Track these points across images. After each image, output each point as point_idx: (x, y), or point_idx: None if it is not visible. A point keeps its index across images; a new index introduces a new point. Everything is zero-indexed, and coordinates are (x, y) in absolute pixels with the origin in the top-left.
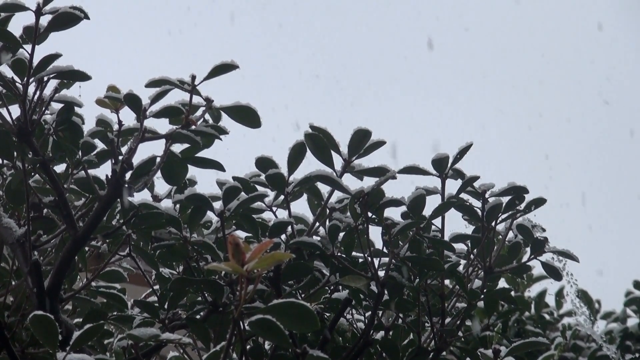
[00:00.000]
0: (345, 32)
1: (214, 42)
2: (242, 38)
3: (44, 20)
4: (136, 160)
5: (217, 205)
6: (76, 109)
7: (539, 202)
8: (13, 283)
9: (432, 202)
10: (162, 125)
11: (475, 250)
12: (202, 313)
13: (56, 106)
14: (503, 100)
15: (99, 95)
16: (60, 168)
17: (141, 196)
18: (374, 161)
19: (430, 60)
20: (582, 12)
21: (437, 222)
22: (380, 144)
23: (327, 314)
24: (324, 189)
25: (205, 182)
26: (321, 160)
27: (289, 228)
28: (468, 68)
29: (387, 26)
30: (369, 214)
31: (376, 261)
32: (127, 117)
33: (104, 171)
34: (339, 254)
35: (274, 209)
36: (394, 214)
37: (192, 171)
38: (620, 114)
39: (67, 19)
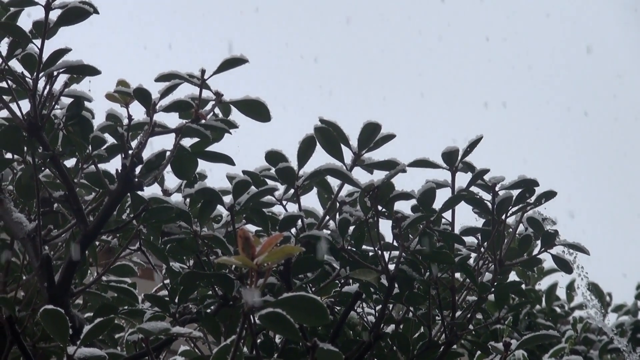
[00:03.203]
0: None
1: (227, 34)
2: (254, 34)
3: (54, 14)
4: (146, 154)
5: (227, 199)
6: (86, 103)
7: (549, 195)
8: (24, 278)
9: (442, 196)
10: (172, 120)
11: (485, 243)
12: (212, 307)
13: (66, 101)
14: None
15: (109, 90)
16: (70, 163)
17: (151, 190)
18: (384, 154)
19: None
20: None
21: (447, 215)
22: (390, 137)
23: (338, 308)
24: (334, 182)
25: (215, 176)
26: (331, 153)
27: (299, 222)
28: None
29: (383, 23)
30: (379, 208)
31: (386, 254)
32: (137, 111)
33: (114, 165)
34: (349, 247)
35: (284, 202)
36: (404, 207)
37: (202, 165)
38: None
39: (76, 14)
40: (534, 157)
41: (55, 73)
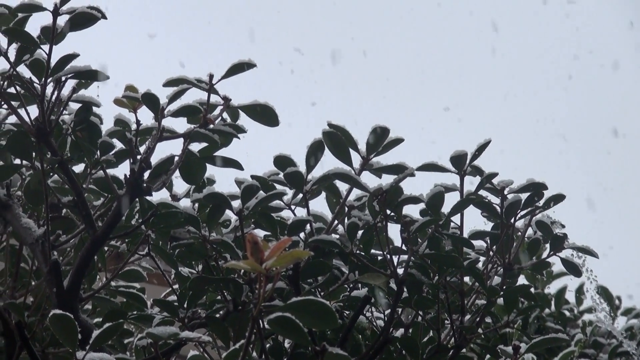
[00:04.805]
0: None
1: (234, 39)
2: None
3: (62, 20)
4: (154, 159)
5: (236, 204)
6: (94, 108)
7: (558, 198)
8: (33, 283)
9: (450, 199)
10: (180, 125)
11: (494, 247)
12: (221, 312)
13: (74, 106)
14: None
15: (117, 95)
16: (78, 168)
17: (160, 195)
18: (392, 158)
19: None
20: None
21: (456, 219)
22: (398, 141)
23: (347, 312)
24: (342, 186)
25: (223, 181)
26: (339, 158)
27: (308, 226)
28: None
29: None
30: (388, 212)
31: (395, 259)
32: (145, 116)
33: (122, 171)
34: (358, 251)
35: (293, 207)
36: (412, 211)
37: (211, 170)
38: None
39: (84, 19)
40: (542, 159)
41: (63, 78)
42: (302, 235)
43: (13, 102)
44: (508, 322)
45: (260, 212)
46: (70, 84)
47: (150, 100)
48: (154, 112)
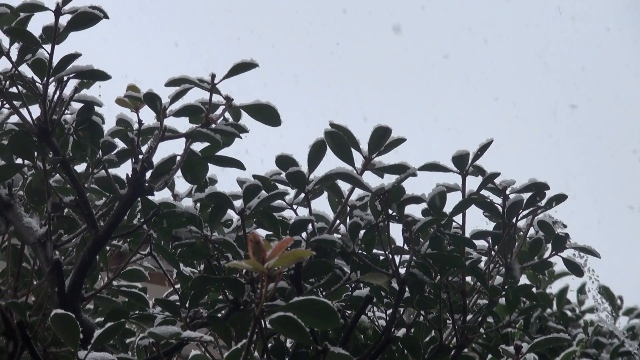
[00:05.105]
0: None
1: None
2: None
3: (64, 20)
4: (156, 159)
5: (238, 203)
6: (96, 108)
7: (560, 198)
8: (34, 283)
9: (452, 199)
10: (182, 124)
11: (496, 246)
12: (223, 311)
13: (76, 106)
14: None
15: (119, 95)
16: (80, 168)
17: (161, 195)
18: (394, 158)
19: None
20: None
21: (457, 219)
22: (400, 141)
23: (349, 312)
24: (344, 186)
25: (225, 180)
26: (341, 157)
27: (310, 226)
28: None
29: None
30: (390, 211)
31: (397, 258)
32: (147, 116)
33: (124, 170)
34: (359, 251)
35: (295, 207)
36: (414, 211)
37: (213, 170)
38: None
39: (86, 19)
40: (545, 159)
41: (65, 78)
42: (304, 235)
43: (15, 102)
44: (510, 322)
45: (262, 211)
46: (72, 83)
47: (152, 99)
48: (156, 111)
